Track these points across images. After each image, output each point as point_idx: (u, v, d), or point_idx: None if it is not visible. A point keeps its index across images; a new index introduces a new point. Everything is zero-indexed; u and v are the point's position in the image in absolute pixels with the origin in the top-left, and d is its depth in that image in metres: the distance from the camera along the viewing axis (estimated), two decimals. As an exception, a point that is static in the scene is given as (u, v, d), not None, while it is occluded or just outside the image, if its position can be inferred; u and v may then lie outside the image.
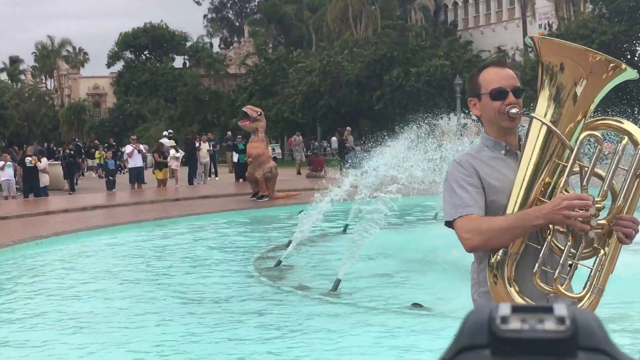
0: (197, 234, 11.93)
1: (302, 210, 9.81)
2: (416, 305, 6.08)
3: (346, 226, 10.83)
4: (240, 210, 15.01)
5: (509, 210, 2.25)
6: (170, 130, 27.99)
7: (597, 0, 31.86)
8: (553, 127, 2.21)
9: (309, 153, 29.40)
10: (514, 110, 2.26)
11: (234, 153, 25.13)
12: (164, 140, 23.72)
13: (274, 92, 40.39)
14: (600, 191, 2.21)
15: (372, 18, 44.35)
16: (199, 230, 12.35)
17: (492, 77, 2.34)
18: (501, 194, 2.28)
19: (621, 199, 2.23)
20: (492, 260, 2.24)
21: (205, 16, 63.37)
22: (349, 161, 17.89)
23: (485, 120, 2.41)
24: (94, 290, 7.49)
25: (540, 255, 2.20)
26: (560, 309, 0.49)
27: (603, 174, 2.27)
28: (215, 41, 60.69)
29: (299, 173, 26.93)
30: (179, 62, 52.48)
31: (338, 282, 6.90)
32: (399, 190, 8.50)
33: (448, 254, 7.42)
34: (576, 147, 2.23)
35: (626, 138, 2.29)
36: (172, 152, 22.12)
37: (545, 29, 40.93)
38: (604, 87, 2.31)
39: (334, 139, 39.92)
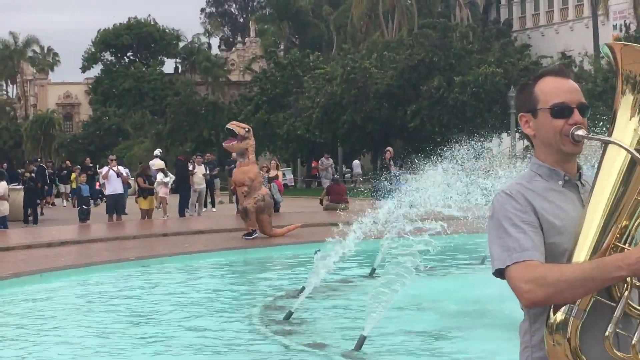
0: (189, 278, 12.33)
1: (318, 250, 10.12)
2: None
3: (373, 270, 11.15)
4: (242, 249, 15.43)
5: (577, 258, 2.27)
6: (160, 150, 29.62)
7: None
8: (636, 154, 2.22)
9: (333, 179, 30.71)
10: (580, 133, 2.29)
11: None
12: (154, 162, 24.57)
13: (286, 105, 42.17)
14: None
15: (408, 15, 46.32)
16: (191, 272, 12.76)
17: (553, 90, 2.38)
18: (563, 235, 2.31)
19: None
20: (553, 319, 2.26)
21: (202, 10, 66.71)
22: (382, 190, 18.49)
23: (540, 142, 2.44)
24: (60, 342, 7.87)
25: (616, 314, 2.22)
26: None
27: None
28: (215, 41, 63.96)
29: (321, 203, 28.07)
30: (169, 66, 55.29)
31: (363, 339, 7.03)
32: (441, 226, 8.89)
33: (498, 307, 7.64)
34: None
35: None
36: (160, 176, 23.04)
37: (620, 30, 42.68)
38: None
39: (356, 162, 41.11)
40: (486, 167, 16.09)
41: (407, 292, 8.03)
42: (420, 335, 7.84)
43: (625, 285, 2.23)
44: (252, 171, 17.37)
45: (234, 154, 19.52)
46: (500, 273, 2.31)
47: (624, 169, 2.27)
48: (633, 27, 42.13)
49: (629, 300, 2.24)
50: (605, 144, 2.31)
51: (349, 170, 42.21)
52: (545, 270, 2.23)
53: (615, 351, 2.21)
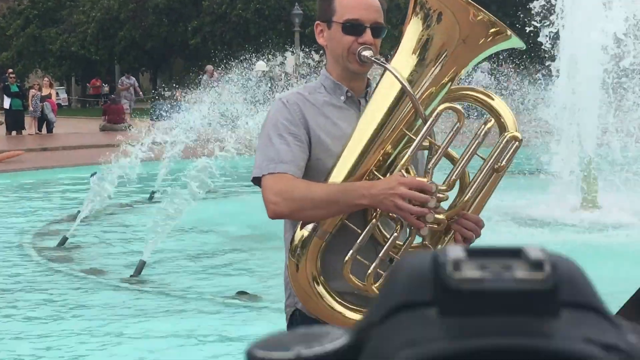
0: None
1: (95, 173, 10.14)
2: (241, 293, 6.31)
3: (152, 193, 11.27)
4: (13, 172, 15.27)
5: (333, 178, 2.24)
6: None
7: None
8: (408, 88, 2.20)
9: (110, 98, 30.73)
10: (366, 53, 2.25)
11: (4, 97, 25.93)
12: None
13: (59, 19, 41.21)
14: (447, 179, 2.25)
15: None
16: None
17: (351, 3, 2.33)
18: (329, 152, 2.29)
19: (470, 193, 2.27)
20: (297, 235, 2.23)
21: None
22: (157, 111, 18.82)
23: (330, 54, 2.41)
24: None
25: (358, 241, 2.19)
26: (535, 252, 0.43)
27: (457, 157, 2.31)
28: None
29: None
30: None
31: (142, 264, 7.10)
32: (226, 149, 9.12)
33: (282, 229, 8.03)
34: (431, 119, 2.24)
35: (493, 120, 2.34)
36: None
37: None
38: (480, 52, 2.36)
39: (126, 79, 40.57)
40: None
41: (189, 214, 8.15)
42: (202, 258, 8.00)
43: (375, 214, 2.20)
44: None
45: None
46: (257, 182, 2.30)
47: (396, 98, 2.27)
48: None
49: (379, 227, 2.22)
50: (384, 69, 2.29)
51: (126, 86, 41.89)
52: (295, 185, 2.23)
53: (351, 276, 2.19)
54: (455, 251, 0.44)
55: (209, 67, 27.98)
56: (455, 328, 0.41)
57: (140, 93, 33.22)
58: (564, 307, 0.42)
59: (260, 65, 25.02)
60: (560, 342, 0.39)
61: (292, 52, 34.10)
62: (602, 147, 10.51)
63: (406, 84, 2.21)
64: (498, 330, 0.40)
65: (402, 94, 2.25)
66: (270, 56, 25.42)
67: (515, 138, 2.29)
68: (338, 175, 2.25)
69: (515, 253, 0.44)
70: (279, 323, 2.62)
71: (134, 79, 33.73)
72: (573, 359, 0.39)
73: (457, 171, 2.25)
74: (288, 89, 12.45)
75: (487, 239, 2.15)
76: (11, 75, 28.74)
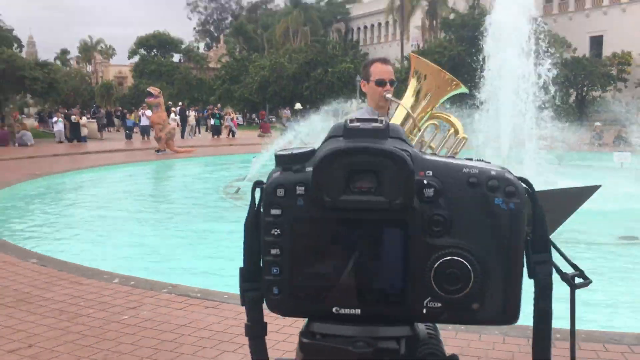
0: (185, 171, 17.24)
1: (255, 156, 13.28)
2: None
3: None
4: (214, 156, 20.56)
5: None
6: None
7: (447, 29, 50.60)
8: (410, 112, 3.24)
9: (263, 120, 42.09)
10: (388, 96, 3.32)
11: (212, 119, 35.94)
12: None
13: (239, 81, 56.96)
14: None
15: (305, 34, 67.36)
16: (185, 168, 17.81)
17: (378, 70, 3.41)
18: None
19: None
20: None
21: (194, 28, 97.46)
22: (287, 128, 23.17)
23: (369, 97, 3.49)
24: (111, 199, 12.62)
25: None
26: (381, 121, 0.84)
27: (435, 148, 3.27)
28: (201, 45, 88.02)
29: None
30: (176, 58, 74.71)
31: (237, 189, 10.06)
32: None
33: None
34: (423, 128, 3.31)
35: (452, 129, 3.29)
36: (172, 116, 31.53)
37: (415, 47, 59.77)
38: (446, 94, 3.41)
39: (285, 111, 51.98)
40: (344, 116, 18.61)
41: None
42: None
43: None
44: (163, 116, 20.83)
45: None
46: None
47: (404, 118, 3.33)
48: (421, 45, 58.23)
49: None
50: (397, 104, 3.38)
51: (272, 117, 54.90)
52: None
53: None
54: (352, 120, 0.83)
55: (286, 112, 38.51)
56: (345, 141, 0.81)
57: (290, 119, 39.46)
58: (390, 138, 0.82)
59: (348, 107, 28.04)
60: (383, 146, 0.79)
61: (355, 99, 44.04)
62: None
63: (409, 110, 3.20)
64: (362, 141, 0.80)
65: (407, 115, 3.22)
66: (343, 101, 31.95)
67: (464, 137, 3.28)
68: None
69: (375, 120, 0.85)
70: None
71: (289, 111, 45.04)
72: (387, 152, 0.78)
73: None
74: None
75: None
76: (215, 109, 39.32)
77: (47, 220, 11.11)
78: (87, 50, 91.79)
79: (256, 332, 0.93)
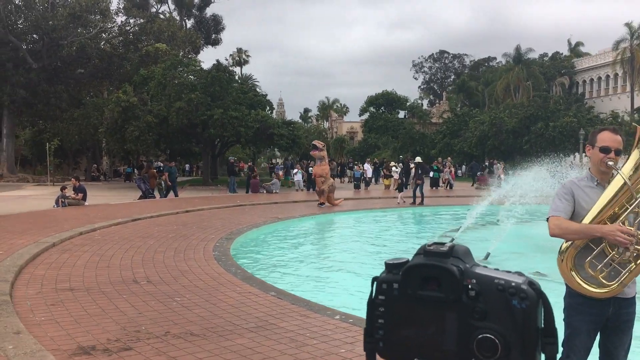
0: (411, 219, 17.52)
1: (469, 209, 13.81)
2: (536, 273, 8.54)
3: (497, 221, 14.83)
4: (405, 208, 20.59)
5: (584, 220, 3.24)
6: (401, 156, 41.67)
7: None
8: (628, 182, 3.22)
9: (479, 174, 40.77)
10: (610, 163, 3.31)
11: (431, 171, 32.18)
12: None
13: (459, 135, 57.50)
14: None
15: (526, 89, 65.18)
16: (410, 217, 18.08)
17: (605, 138, 3.39)
18: (585, 210, 3.29)
19: None
20: (562, 245, 3.25)
21: (419, 87, 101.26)
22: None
23: (591, 161, 3.45)
24: (343, 241, 13.27)
25: (594, 252, 3.21)
26: (448, 246, 1.21)
27: None
28: (425, 102, 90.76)
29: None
30: (401, 114, 77.40)
31: (487, 254, 10.02)
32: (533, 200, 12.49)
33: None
34: (639, 198, 3.30)
35: None
36: (394, 168, 33.26)
37: None
38: None
39: (497, 165, 47.83)
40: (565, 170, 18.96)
41: (513, 232, 11.55)
42: (517, 254, 10.83)
43: (605, 241, 3.24)
44: (326, 169, 20.36)
45: (316, 159, 21.06)
46: (547, 220, 3.30)
47: (620, 187, 3.30)
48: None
49: (607, 246, 3.25)
50: (617, 172, 3.34)
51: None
52: (563, 222, 3.25)
53: (589, 270, 3.24)
54: (430, 244, 1.37)
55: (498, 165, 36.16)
56: (424, 258, 1.35)
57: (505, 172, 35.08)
58: (452, 257, 1.32)
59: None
60: (444, 264, 1.30)
61: (578, 153, 43.60)
62: None
63: (627, 180, 3.20)
64: (432, 260, 1.33)
65: (624, 184, 3.24)
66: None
67: None
68: (587, 220, 3.22)
69: (445, 244, 1.34)
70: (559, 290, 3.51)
71: (502, 165, 40.82)
72: (444, 268, 1.30)
73: None
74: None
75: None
76: (436, 162, 37.00)
77: (284, 258, 11.96)
78: (325, 109, 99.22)
79: None
